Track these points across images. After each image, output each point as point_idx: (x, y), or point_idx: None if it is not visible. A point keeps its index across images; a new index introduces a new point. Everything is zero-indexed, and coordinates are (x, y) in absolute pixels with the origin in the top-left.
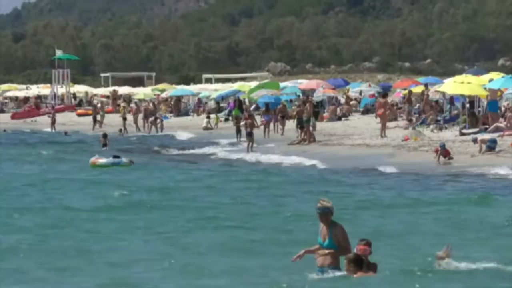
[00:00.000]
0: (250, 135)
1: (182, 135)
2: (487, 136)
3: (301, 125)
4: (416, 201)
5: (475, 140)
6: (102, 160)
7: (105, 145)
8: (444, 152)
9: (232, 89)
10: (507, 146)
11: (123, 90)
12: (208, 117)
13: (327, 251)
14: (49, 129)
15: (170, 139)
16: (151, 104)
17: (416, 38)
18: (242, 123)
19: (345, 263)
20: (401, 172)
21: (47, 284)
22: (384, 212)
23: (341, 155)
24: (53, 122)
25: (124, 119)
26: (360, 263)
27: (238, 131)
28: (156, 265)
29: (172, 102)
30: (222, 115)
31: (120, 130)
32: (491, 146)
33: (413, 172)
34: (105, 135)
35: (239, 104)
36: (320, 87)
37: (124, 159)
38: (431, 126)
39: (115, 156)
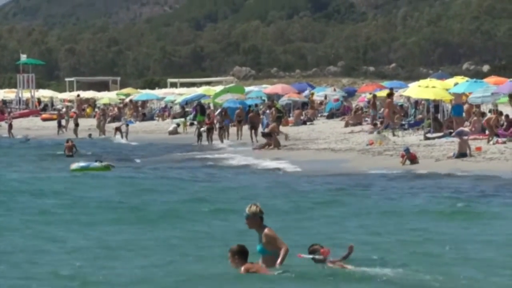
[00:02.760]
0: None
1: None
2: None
3: (255, 129)
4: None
5: (460, 134)
6: (78, 164)
7: (70, 150)
8: (410, 156)
9: (197, 94)
10: (471, 150)
11: (88, 94)
12: (178, 124)
13: (262, 265)
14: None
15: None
16: (115, 109)
17: (380, 42)
18: (203, 128)
19: (229, 255)
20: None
21: None
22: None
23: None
24: (10, 128)
25: (76, 125)
26: (245, 255)
27: (199, 135)
28: None
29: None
30: (187, 120)
31: (89, 135)
32: (456, 154)
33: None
34: (68, 141)
35: (201, 109)
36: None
37: (97, 163)
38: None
39: (98, 161)
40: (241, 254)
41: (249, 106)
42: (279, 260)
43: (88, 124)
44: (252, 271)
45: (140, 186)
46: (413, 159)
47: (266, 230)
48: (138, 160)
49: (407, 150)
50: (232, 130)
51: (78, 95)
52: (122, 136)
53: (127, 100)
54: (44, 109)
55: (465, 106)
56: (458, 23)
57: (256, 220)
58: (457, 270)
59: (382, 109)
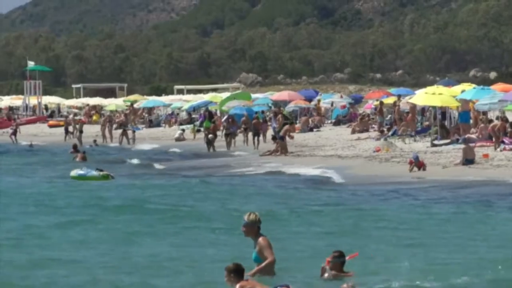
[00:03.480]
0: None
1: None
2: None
3: (258, 136)
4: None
5: (465, 141)
6: (77, 171)
7: (84, 159)
8: (418, 163)
9: (203, 100)
10: (478, 157)
11: (95, 101)
12: (183, 130)
13: (255, 272)
14: (22, 141)
15: None
16: (122, 115)
17: (387, 49)
18: (211, 135)
19: (225, 273)
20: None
21: None
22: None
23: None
24: (14, 133)
25: (80, 131)
26: (241, 273)
27: (209, 143)
28: None
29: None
30: (195, 126)
31: (95, 141)
32: (462, 161)
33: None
34: (75, 147)
35: (209, 115)
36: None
37: (95, 172)
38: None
39: (98, 169)
40: (236, 272)
41: (256, 112)
42: (256, 268)
43: (95, 130)
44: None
45: (194, 191)
46: (421, 166)
47: (260, 239)
48: (160, 167)
49: (416, 157)
50: (238, 137)
51: (88, 105)
52: (128, 142)
53: (135, 106)
54: (51, 115)
55: (471, 113)
56: (465, 30)
57: (253, 229)
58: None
59: (389, 116)
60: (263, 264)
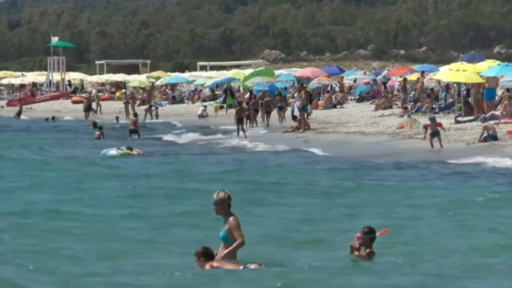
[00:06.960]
0: (240, 122)
1: None
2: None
3: (268, 114)
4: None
5: (484, 120)
6: (107, 150)
7: (134, 125)
8: (436, 124)
9: (226, 77)
10: (502, 134)
11: (118, 77)
12: (205, 106)
13: (224, 251)
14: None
15: None
16: (144, 92)
17: (411, 26)
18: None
19: (195, 258)
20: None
21: None
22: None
23: None
24: (19, 114)
25: (86, 110)
26: (210, 256)
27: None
28: None
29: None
30: (218, 103)
31: (117, 118)
32: (488, 139)
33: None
34: (95, 124)
35: (230, 92)
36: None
37: (114, 151)
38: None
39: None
40: (206, 256)
41: (277, 89)
42: (227, 250)
43: (118, 107)
44: (215, 265)
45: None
46: (439, 126)
47: (230, 219)
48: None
49: (433, 119)
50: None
51: (117, 81)
52: (152, 118)
53: (158, 82)
54: (74, 91)
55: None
56: (490, 6)
57: (223, 207)
58: None
59: (412, 93)
60: (234, 245)
